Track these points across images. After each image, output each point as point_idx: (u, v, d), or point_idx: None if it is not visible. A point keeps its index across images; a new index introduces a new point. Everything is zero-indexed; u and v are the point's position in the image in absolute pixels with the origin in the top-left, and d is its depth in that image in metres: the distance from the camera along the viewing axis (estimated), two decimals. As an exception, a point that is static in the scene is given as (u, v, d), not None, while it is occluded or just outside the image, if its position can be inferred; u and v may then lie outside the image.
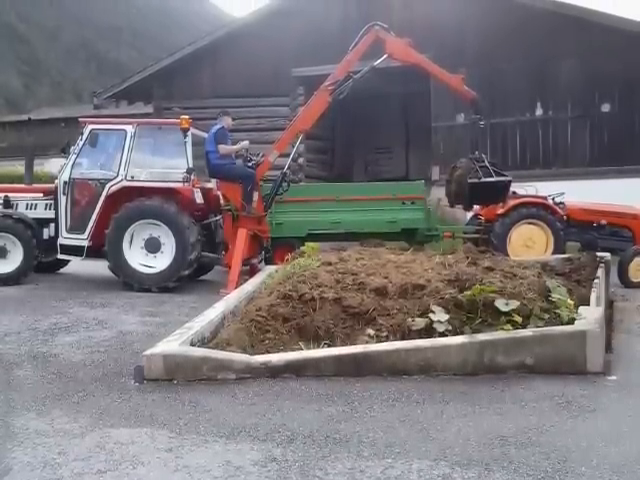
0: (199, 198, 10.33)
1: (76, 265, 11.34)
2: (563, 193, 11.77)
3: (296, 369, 5.43)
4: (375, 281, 6.50)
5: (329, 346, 5.83)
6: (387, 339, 5.83)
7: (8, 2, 78.39)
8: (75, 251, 10.43)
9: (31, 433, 4.34)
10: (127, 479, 3.70)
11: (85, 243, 10.31)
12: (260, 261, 11.06)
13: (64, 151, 10.74)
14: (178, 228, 9.98)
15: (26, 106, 58.51)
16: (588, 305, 6.40)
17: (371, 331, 5.93)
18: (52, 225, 10.54)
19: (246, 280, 8.88)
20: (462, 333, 5.71)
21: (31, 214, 10.59)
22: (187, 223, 10.03)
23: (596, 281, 7.66)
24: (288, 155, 11.21)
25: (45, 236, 10.58)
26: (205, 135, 10.57)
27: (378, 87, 17.20)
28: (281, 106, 18.68)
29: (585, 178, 15.12)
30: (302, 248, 8.35)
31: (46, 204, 10.67)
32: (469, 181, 10.68)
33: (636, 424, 4.37)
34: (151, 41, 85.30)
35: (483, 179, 10.62)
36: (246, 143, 10.61)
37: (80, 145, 10.40)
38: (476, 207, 11.97)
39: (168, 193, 10.18)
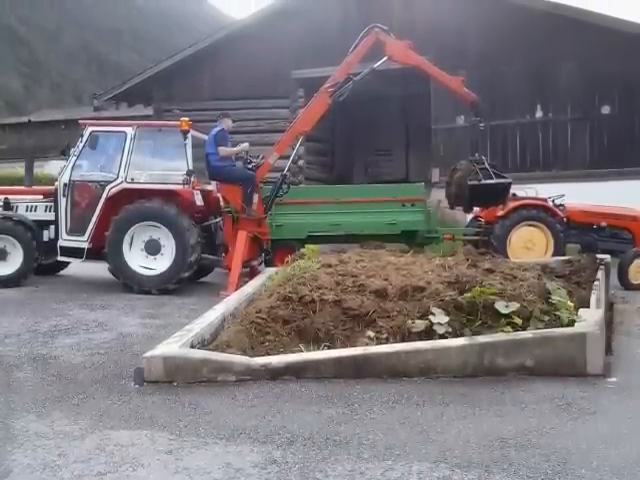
0: (199, 200, 10.33)
1: (76, 267, 11.34)
2: (563, 195, 11.77)
3: (296, 371, 5.43)
4: (375, 283, 6.50)
5: (329, 348, 5.83)
6: (387, 341, 5.83)
7: (8, 4, 78.44)
8: (75, 253, 10.43)
9: (31, 435, 4.34)
10: (127, 481, 3.71)
11: (85, 245, 10.31)
12: (260, 263, 11.06)
13: (64, 153, 10.75)
14: (178, 230, 9.98)
15: (26, 108, 58.54)
16: (588, 307, 6.39)
17: (371, 333, 5.93)
18: (52, 227, 10.54)
19: (246, 282, 8.88)
20: (462, 335, 5.72)
21: (31, 216, 10.59)
22: (187, 225, 10.03)
23: (596, 283, 7.66)
24: (288, 157, 11.21)
25: (45, 238, 10.58)
26: (205, 137, 10.58)
27: (378, 89, 17.18)
28: (281, 108, 18.68)
29: (585, 180, 15.12)
30: (302, 250, 8.35)
31: (46, 206, 10.67)
32: (469, 183, 10.68)
33: (636, 426, 4.37)
34: (151, 43, 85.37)
35: (483, 181, 10.62)
36: (246, 145, 10.62)
37: (80, 147, 10.40)
38: (476, 209, 11.96)
39: (168, 195, 10.18)
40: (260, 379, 5.35)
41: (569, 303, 6.19)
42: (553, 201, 11.68)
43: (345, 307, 6.17)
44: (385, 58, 10.61)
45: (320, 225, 11.15)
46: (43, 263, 10.81)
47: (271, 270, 8.94)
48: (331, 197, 11.48)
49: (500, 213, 11.40)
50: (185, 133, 10.22)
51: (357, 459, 3.91)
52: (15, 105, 66.48)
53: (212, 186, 10.96)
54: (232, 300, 7.37)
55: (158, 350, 5.58)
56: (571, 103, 16.60)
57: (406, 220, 11.16)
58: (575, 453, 3.94)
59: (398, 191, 11.72)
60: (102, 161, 10.64)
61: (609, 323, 7.07)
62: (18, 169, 22.51)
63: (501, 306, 5.81)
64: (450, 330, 5.77)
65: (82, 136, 10.42)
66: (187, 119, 10.41)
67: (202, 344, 5.92)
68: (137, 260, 10.10)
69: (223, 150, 10.20)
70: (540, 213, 11.39)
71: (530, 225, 11.37)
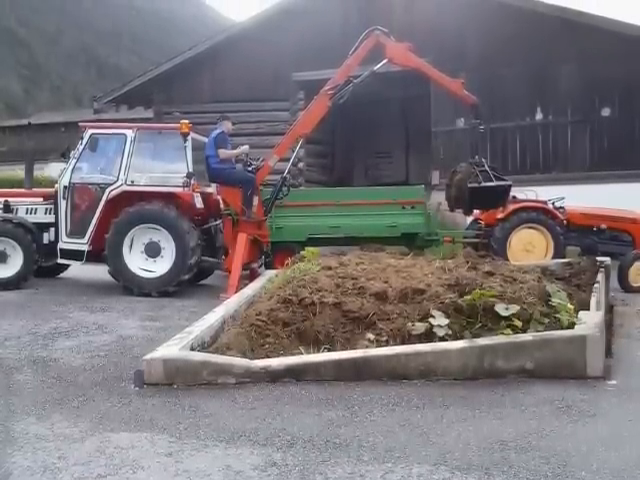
0: (199, 203, 10.33)
1: (76, 270, 11.35)
2: (563, 197, 11.78)
3: (296, 373, 5.43)
4: (375, 285, 6.50)
5: (329, 350, 5.83)
6: (387, 343, 5.83)
7: (8, 6, 78.51)
8: (75, 255, 10.44)
9: (31, 437, 4.34)
10: (127, 484, 3.71)
11: (85, 247, 10.31)
12: (260, 265, 11.06)
13: (64, 155, 10.76)
14: (178, 232, 9.98)
15: (26, 110, 58.49)
16: (588, 310, 6.39)
17: (371, 335, 5.93)
18: (52, 229, 10.55)
19: (246, 284, 8.88)
20: (462, 338, 5.72)
21: (31, 218, 10.59)
22: (187, 227, 10.03)
23: (596, 285, 7.66)
24: (288, 159, 11.19)
25: (45, 241, 10.58)
26: (205, 140, 10.59)
27: (378, 91, 17.21)
28: (281, 110, 18.68)
29: (585, 183, 15.12)
30: (302, 252, 8.35)
31: (46, 208, 10.68)
32: (469, 185, 10.68)
33: (636, 429, 4.37)
34: (150, 45, 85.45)
35: (483, 184, 10.62)
36: (246, 147, 10.63)
37: (80, 149, 10.41)
38: (476, 212, 11.97)
39: (168, 198, 10.18)
40: (260, 382, 5.35)
41: (569, 305, 6.19)
42: (553, 203, 11.69)
43: (345, 309, 6.17)
44: (385, 60, 10.62)
45: (320, 227, 11.16)
46: (43, 266, 10.80)
47: (271, 272, 8.94)
48: (331, 200, 11.50)
49: (500, 216, 11.41)
50: (185, 135, 10.22)
51: (357, 462, 3.91)
52: (15, 107, 66.51)
53: (212, 189, 10.96)
54: (232, 302, 7.37)
55: (158, 352, 5.58)
56: (571, 105, 16.60)
57: (406, 222, 11.17)
58: (575, 456, 3.94)
59: (398, 193, 11.74)
60: (102, 163, 10.65)
61: (609, 326, 7.06)
62: (18, 171, 22.53)
63: (501, 308, 5.81)
64: (450, 333, 5.77)
65: (82, 138, 10.42)
66: (187, 121, 10.41)
67: (202, 346, 5.92)
68: (137, 262, 10.10)
69: (223, 153, 10.21)
70: (540, 216, 11.41)
71: (530, 228, 11.39)
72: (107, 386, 5.51)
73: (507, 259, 10.00)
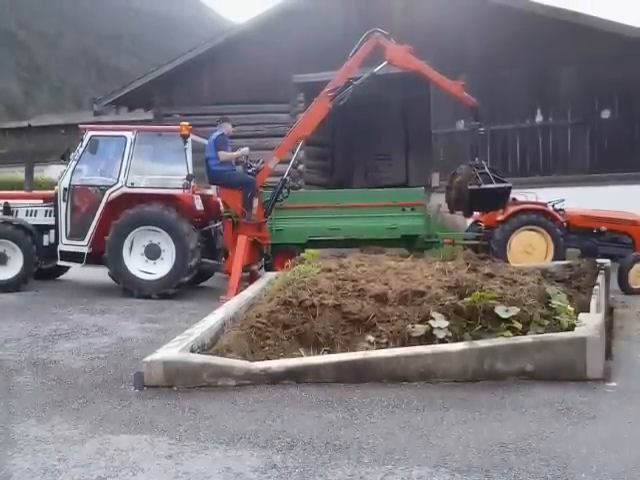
0: (199, 205, 10.34)
1: (76, 272, 11.35)
2: (563, 200, 11.78)
3: (296, 375, 5.43)
4: (375, 288, 6.50)
5: (329, 352, 5.82)
6: (387, 346, 5.83)
7: (8, 9, 78.54)
8: (75, 258, 10.44)
9: (31, 440, 4.34)
10: (127, 486, 3.71)
11: (85, 250, 10.32)
12: (260, 268, 11.06)
13: (64, 157, 10.76)
14: (178, 235, 9.99)
15: (26, 112, 58.54)
16: (588, 312, 6.39)
17: (371, 338, 5.93)
18: (52, 232, 10.56)
19: (246, 287, 8.87)
20: (462, 340, 5.71)
21: (31, 220, 10.60)
22: (187, 230, 10.03)
23: (596, 288, 7.66)
24: (288, 161, 11.21)
25: (45, 243, 10.59)
26: (205, 142, 10.59)
27: (378, 94, 17.24)
28: (281, 112, 18.71)
29: (585, 185, 15.14)
30: (302, 255, 8.35)
31: (46, 211, 10.69)
32: (469, 188, 10.68)
33: (636, 431, 4.37)
34: (150, 47, 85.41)
35: (483, 186, 10.62)
36: (246, 150, 10.62)
37: (80, 152, 10.42)
38: (476, 214, 11.97)
39: (168, 200, 10.19)
40: (260, 384, 5.35)
41: (569, 307, 6.19)
42: (553, 205, 11.70)
43: (345, 311, 6.17)
44: (385, 62, 10.64)
45: (320, 229, 11.16)
46: (43, 268, 10.81)
47: (271, 274, 8.93)
48: (331, 201, 11.50)
49: (500, 218, 11.42)
50: (185, 137, 10.23)
51: (357, 463, 3.91)
52: (15, 109, 66.49)
53: (212, 190, 10.96)
54: (232, 304, 7.36)
55: (158, 354, 5.58)
56: (571, 107, 16.62)
57: (406, 225, 11.18)
58: (575, 458, 3.94)
59: (398, 196, 11.74)
60: (102, 165, 10.65)
61: (609, 328, 7.06)
62: (18, 173, 22.50)
63: (501, 310, 5.81)
64: (450, 335, 5.76)
65: (82, 140, 10.43)
66: (187, 123, 10.43)
67: (202, 348, 5.92)
68: (137, 264, 10.11)
69: (223, 154, 10.20)
70: (540, 218, 11.41)
71: (530, 229, 11.39)
72: (107, 388, 5.51)
73: (507, 261, 9.99)
